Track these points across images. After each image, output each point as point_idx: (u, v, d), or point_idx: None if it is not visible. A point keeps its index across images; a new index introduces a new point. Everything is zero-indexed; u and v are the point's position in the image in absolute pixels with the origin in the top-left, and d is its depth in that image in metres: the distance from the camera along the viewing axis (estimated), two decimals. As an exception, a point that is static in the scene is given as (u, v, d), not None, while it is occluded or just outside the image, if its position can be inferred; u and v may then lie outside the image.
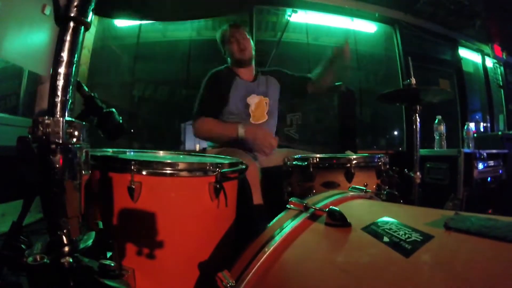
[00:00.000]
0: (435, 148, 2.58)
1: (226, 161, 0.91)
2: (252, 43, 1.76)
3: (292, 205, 0.65)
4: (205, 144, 1.84)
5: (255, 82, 1.77)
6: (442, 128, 2.57)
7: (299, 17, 3.50)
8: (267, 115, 1.74)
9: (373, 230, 0.48)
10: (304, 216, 0.59)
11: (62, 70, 0.48)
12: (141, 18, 3.65)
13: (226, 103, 1.67)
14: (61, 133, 0.46)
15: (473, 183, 2.22)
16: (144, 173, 0.76)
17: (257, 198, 1.23)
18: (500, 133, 3.16)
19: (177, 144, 3.88)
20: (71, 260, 0.45)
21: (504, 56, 4.79)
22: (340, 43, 1.61)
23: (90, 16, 0.51)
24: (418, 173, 1.59)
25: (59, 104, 0.47)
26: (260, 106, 1.72)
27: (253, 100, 1.71)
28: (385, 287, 0.37)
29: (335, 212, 0.54)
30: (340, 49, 1.60)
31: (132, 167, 0.75)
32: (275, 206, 1.20)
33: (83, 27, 0.50)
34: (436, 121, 2.58)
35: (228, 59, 1.80)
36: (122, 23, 3.86)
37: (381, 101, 1.77)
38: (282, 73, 1.88)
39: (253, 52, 1.78)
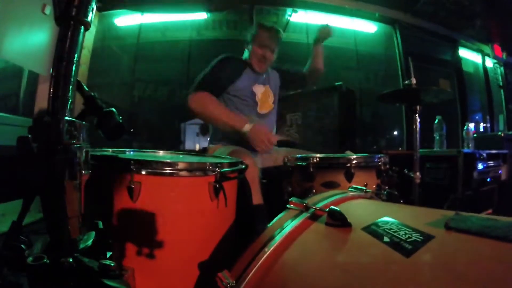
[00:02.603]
0: (435, 148, 2.58)
1: (226, 161, 0.91)
2: (276, 51, 1.69)
3: (292, 205, 0.64)
4: (205, 144, 1.84)
5: (264, 74, 1.77)
6: (442, 128, 2.57)
7: (299, 17, 3.51)
8: (273, 104, 1.76)
9: (374, 230, 0.48)
10: (304, 216, 0.59)
11: (62, 70, 0.48)
12: (142, 11, 3.64)
13: (232, 87, 1.62)
14: (61, 133, 0.45)
15: (473, 183, 2.21)
16: (143, 172, 0.76)
17: (257, 198, 1.23)
18: (500, 133, 3.16)
19: (177, 144, 3.88)
20: (71, 260, 0.45)
21: (504, 56, 4.78)
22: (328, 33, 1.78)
23: (90, 16, 0.51)
24: (418, 173, 1.59)
25: (59, 104, 0.47)
26: (266, 96, 1.73)
27: (258, 89, 1.71)
28: (385, 287, 0.37)
29: (336, 212, 0.54)
30: (325, 28, 1.76)
31: (132, 166, 0.75)
32: (275, 206, 1.21)
33: (83, 27, 0.50)
34: (436, 121, 2.58)
35: (247, 54, 1.72)
36: (122, 22, 3.87)
37: (381, 101, 1.77)
38: (282, 71, 1.91)
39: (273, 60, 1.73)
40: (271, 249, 0.50)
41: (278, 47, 1.70)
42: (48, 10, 2.25)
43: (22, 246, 0.51)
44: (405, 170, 1.60)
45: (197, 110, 1.50)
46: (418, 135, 1.61)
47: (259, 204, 1.23)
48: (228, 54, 1.68)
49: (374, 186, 1.21)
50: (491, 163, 2.41)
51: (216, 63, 1.61)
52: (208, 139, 1.81)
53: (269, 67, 1.82)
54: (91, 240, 0.53)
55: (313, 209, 0.60)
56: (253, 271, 0.48)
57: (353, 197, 0.71)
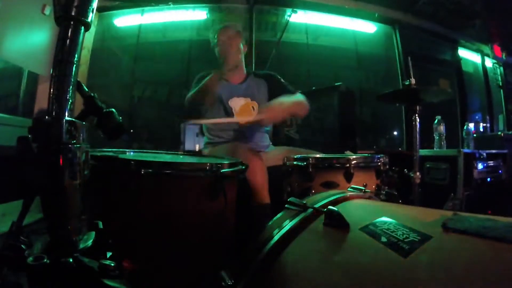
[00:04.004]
0: (434, 148, 2.58)
1: (226, 161, 0.91)
2: (241, 46, 1.70)
3: (291, 205, 0.65)
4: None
5: (242, 84, 1.73)
6: (442, 128, 2.57)
7: (299, 17, 3.51)
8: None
9: (371, 230, 0.48)
10: (302, 216, 0.59)
11: (62, 70, 0.48)
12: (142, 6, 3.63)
13: (209, 102, 1.60)
14: (61, 133, 0.46)
15: (473, 183, 2.22)
16: (143, 173, 0.76)
17: (264, 196, 1.23)
18: (499, 133, 3.16)
19: (177, 144, 3.88)
20: (71, 260, 0.45)
21: (503, 57, 4.78)
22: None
23: (90, 16, 0.51)
24: (417, 173, 1.59)
25: (59, 104, 0.47)
26: (246, 110, 1.67)
27: (236, 102, 1.67)
28: (383, 287, 0.38)
29: (334, 212, 0.54)
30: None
31: (132, 167, 0.75)
32: (275, 206, 1.21)
33: (83, 27, 0.50)
34: (436, 121, 2.58)
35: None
36: (122, 23, 3.87)
37: (381, 101, 1.78)
38: (274, 78, 1.81)
39: (241, 57, 1.72)
40: (270, 248, 0.50)
41: (241, 34, 1.72)
42: (48, 10, 2.25)
43: (22, 246, 0.52)
44: (405, 170, 1.60)
45: (192, 104, 1.60)
46: (418, 135, 1.62)
47: (266, 203, 1.22)
48: (204, 72, 1.71)
49: (373, 186, 1.21)
50: (491, 163, 2.41)
51: (195, 80, 1.69)
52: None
53: (260, 76, 1.80)
54: (91, 240, 0.54)
55: (312, 209, 0.60)
56: (251, 271, 0.48)
57: (351, 197, 0.71)
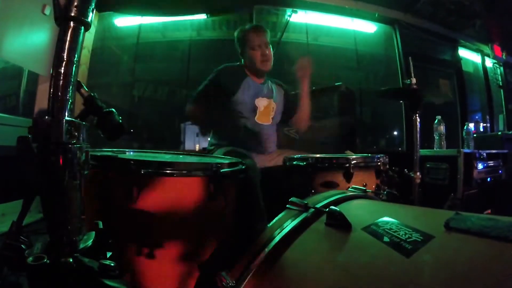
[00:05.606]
0: (435, 148, 2.58)
1: (226, 161, 0.91)
2: (272, 50, 1.70)
3: (292, 205, 0.64)
4: (205, 144, 1.84)
5: (264, 84, 1.73)
6: (442, 128, 2.57)
7: (299, 17, 3.50)
8: (272, 119, 1.70)
9: (374, 230, 0.48)
10: (304, 216, 0.59)
11: (62, 70, 0.48)
12: (143, 14, 3.64)
13: (233, 99, 1.61)
14: (61, 133, 0.45)
15: (473, 183, 2.22)
16: (143, 173, 0.76)
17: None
18: (499, 133, 3.16)
19: (176, 144, 3.88)
20: (71, 260, 0.45)
21: (503, 56, 4.77)
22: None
23: (90, 16, 0.51)
24: (418, 173, 1.59)
25: (59, 104, 0.47)
26: (267, 109, 1.68)
27: (261, 102, 1.67)
28: (386, 287, 0.37)
29: (336, 212, 0.54)
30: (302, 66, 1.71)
31: (132, 167, 0.75)
32: (275, 206, 1.21)
33: (83, 27, 0.50)
34: (436, 121, 2.58)
35: (243, 60, 1.73)
36: (122, 23, 3.86)
37: (381, 98, 1.78)
38: (285, 88, 1.86)
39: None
40: (271, 249, 0.50)
41: (269, 39, 1.70)
42: (48, 10, 2.25)
43: (22, 246, 0.51)
44: (405, 170, 1.60)
45: (192, 121, 1.79)
46: (418, 135, 1.61)
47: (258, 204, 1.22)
48: (228, 64, 1.70)
49: (373, 186, 1.21)
50: (491, 163, 2.41)
51: (215, 75, 1.62)
52: (208, 139, 1.81)
53: (274, 82, 1.82)
54: (91, 240, 0.53)
55: (313, 209, 0.60)
56: (253, 271, 0.47)
57: (353, 197, 0.71)
